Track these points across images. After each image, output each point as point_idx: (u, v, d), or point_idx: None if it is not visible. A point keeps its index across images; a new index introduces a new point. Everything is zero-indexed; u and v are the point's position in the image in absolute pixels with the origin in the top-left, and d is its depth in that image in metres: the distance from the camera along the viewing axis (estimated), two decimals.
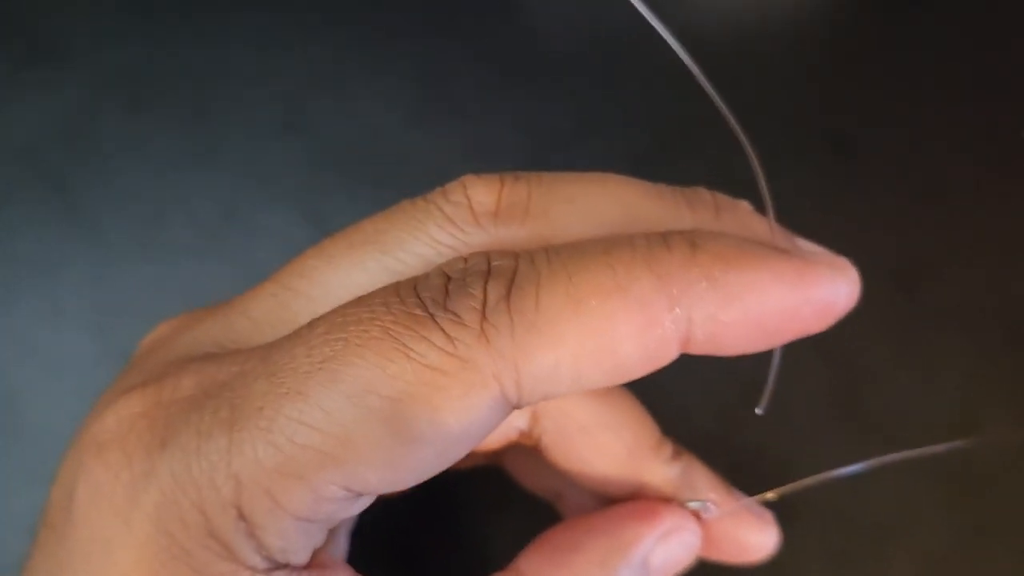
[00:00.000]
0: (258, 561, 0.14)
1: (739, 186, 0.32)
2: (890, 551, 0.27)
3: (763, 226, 0.17)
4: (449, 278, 0.15)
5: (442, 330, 0.14)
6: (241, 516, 0.14)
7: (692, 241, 0.15)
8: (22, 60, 0.32)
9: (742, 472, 0.28)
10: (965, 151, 0.32)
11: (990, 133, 0.32)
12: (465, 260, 0.15)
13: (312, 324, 0.15)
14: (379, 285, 0.16)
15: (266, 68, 0.33)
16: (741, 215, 0.17)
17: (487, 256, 0.15)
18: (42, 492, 0.17)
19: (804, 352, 0.29)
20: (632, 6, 0.14)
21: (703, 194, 0.18)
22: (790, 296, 0.14)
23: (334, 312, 0.15)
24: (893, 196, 0.31)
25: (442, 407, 0.14)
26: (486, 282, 0.14)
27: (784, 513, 0.27)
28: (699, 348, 0.15)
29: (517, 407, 0.15)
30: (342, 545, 0.19)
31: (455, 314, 0.14)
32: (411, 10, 0.34)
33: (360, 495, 0.14)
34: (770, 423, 0.27)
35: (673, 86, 0.33)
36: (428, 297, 0.14)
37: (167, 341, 0.18)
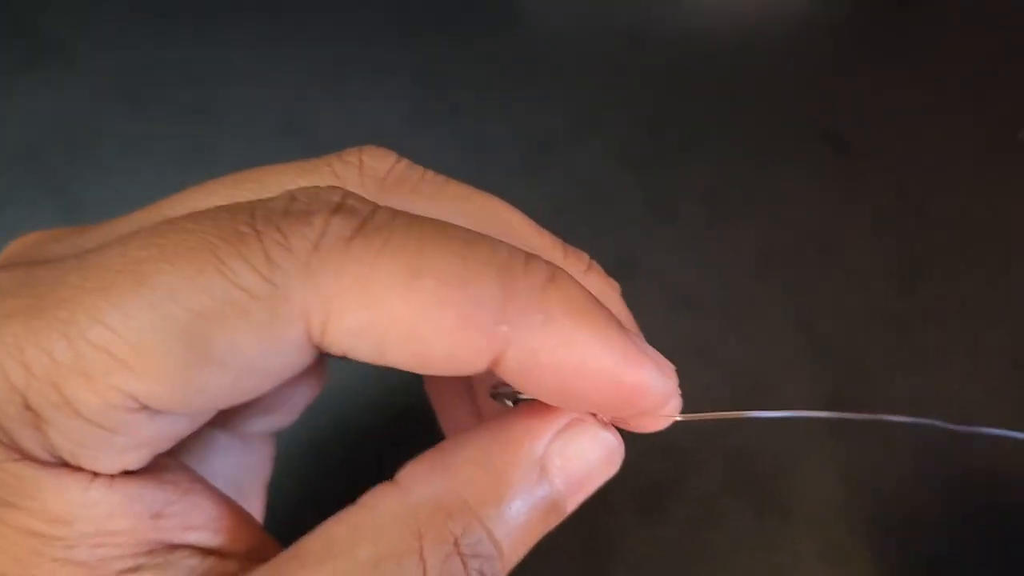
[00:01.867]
0: (42, 454, 0.13)
1: (739, 186, 0.32)
2: (883, 546, 0.27)
3: (620, 305, 0.17)
4: (295, 200, 0.14)
5: (264, 251, 0.13)
6: (27, 406, 0.13)
7: (552, 275, 0.14)
8: (22, 60, 0.32)
9: (740, 471, 0.28)
10: (964, 151, 0.32)
11: (988, 133, 0.32)
12: (319, 189, 0.14)
13: (138, 230, 0.14)
14: None
15: (266, 68, 0.33)
16: (609, 286, 0.17)
17: (343, 192, 0.14)
18: None
19: (804, 351, 0.29)
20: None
21: (583, 254, 0.17)
22: (609, 369, 0.14)
23: (162, 221, 0.14)
24: (892, 196, 0.31)
25: (243, 332, 0.13)
26: (331, 216, 0.13)
27: (781, 511, 0.27)
28: (506, 374, 0.14)
29: (320, 353, 0.14)
30: (219, 469, 0.18)
31: (283, 237, 0.13)
32: (411, 11, 0.34)
33: (151, 411, 0.13)
34: (767, 422, 0.27)
35: (673, 87, 0.34)
36: (262, 216, 0.13)
37: (11, 256, 0.17)
